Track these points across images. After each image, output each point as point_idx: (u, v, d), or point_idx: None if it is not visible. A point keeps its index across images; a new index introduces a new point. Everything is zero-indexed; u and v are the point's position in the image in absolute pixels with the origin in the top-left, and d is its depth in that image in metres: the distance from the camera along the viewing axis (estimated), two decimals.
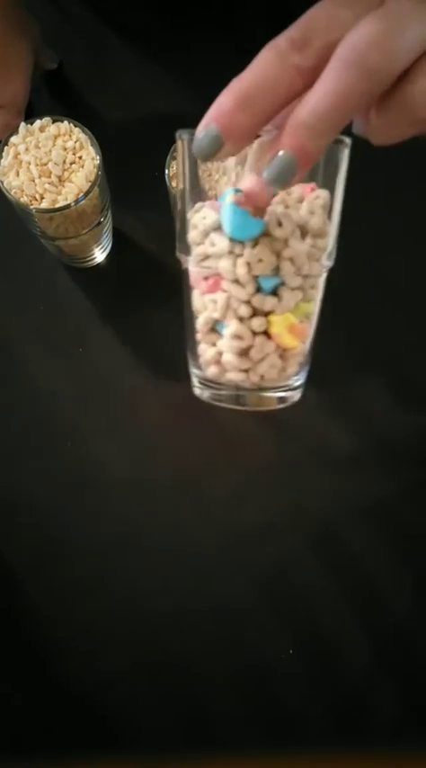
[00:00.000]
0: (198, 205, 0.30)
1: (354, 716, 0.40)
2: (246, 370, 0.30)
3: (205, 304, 0.30)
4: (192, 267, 0.30)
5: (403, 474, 0.44)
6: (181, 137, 0.29)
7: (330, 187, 0.29)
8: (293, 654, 0.41)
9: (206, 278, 0.29)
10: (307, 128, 0.21)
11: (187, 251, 0.30)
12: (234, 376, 0.30)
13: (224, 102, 0.22)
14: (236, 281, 0.28)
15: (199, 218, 0.29)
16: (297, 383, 0.32)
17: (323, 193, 0.29)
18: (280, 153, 0.22)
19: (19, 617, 0.41)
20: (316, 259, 0.29)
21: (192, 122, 0.39)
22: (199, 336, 0.31)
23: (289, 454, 0.44)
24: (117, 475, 0.43)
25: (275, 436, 0.44)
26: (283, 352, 0.30)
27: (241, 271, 0.27)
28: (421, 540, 0.43)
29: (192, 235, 0.29)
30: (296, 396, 0.32)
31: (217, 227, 0.28)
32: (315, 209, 0.28)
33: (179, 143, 0.30)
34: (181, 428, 0.44)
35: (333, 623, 0.41)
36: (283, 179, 0.23)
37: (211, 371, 0.31)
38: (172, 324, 0.43)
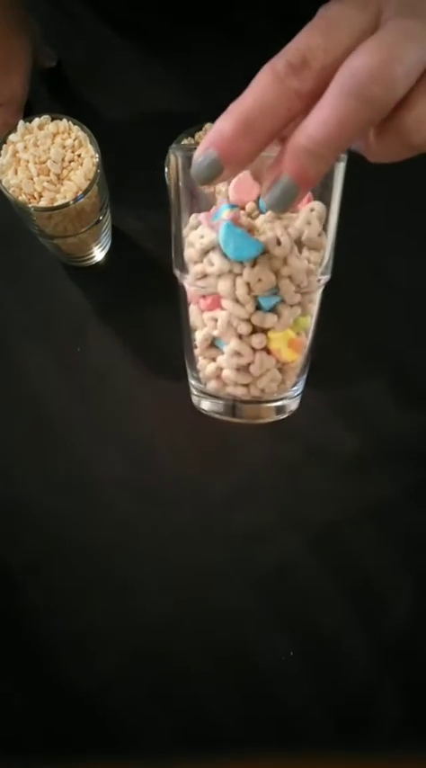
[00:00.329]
0: (192, 219, 0.29)
1: (354, 718, 0.40)
2: (246, 385, 0.30)
3: (203, 321, 0.30)
4: (190, 285, 0.30)
5: (404, 474, 0.44)
6: (175, 153, 0.29)
7: (326, 201, 0.29)
8: (293, 655, 0.41)
9: (204, 296, 0.29)
10: (307, 152, 0.21)
11: (184, 268, 0.30)
12: (234, 390, 0.30)
13: (223, 127, 0.22)
14: (236, 300, 0.28)
15: (196, 236, 0.28)
16: (296, 393, 0.32)
17: (317, 205, 0.29)
18: (281, 177, 0.22)
19: (19, 617, 0.41)
20: (314, 273, 0.29)
21: (192, 121, 0.39)
22: (197, 352, 0.31)
23: (289, 454, 0.44)
24: (116, 475, 0.43)
25: (275, 436, 0.44)
26: (282, 366, 0.30)
27: (241, 291, 0.27)
28: (422, 540, 0.43)
29: (189, 253, 0.29)
30: (294, 405, 0.33)
31: (215, 247, 0.28)
32: (311, 220, 0.28)
33: (172, 158, 0.30)
34: (180, 428, 0.43)
35: (334, 624, 0.41)
36: (284, 203, 0.23)
37: (211, 386, 0.31)
38: (171, 323, 0.43)
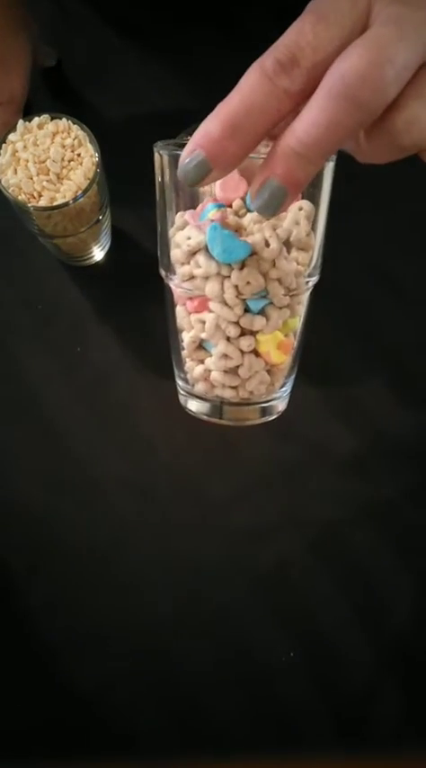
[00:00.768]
0: (179, 218, 0.29)
1: (355, 717, 0.40)
2: (235, 387, 0.30)
3: (191, 322, 0.29)
4: (177, 286, 0.29)
5: (404, 474, 0.44)
6: (159, 151, 0.29)
7: (315, 201, 0.28)
8: (293, 655, 0.41)
9: (191, 297, 0.29)
10: (296, 155, 0.21)
11: (170, 269, 0.30)
12: (222, 392, 0.30)
13: (211, 128, 0.22)
14: (224, 303, 0.28)
15: (183, 237, 0.28)
16: (284, 393, 0.32)
17: (306, 205, 0.28)
18: (269, 180, 0.22)
19: (19, 617, 0.41)
20: (302, 275, 0.29)
21: (191, 120, 0.39)
22: (185, 354, 0.31)
23: (289, 454, 0.44)
24: (115, 475, 0.43)
25: (275, 436, 0.44)
26: (271, 368, 0.30)
27: (229, 294, 0.27)
28: (421, 540, 0.43)
29: (176, 254, 0.29)
30: (281, 405, 0.32)
31: (202, 248, 0.27)
32: (300, 220, 0.28)
33: (156, 156, 0.29)
34: (180, 427, 0.43)
35: (334, 625, 0.41)
36: (273, 206, 0.22)
37: (199, 388, 0.31)
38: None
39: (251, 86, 0.21)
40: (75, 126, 0.38)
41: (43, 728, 0.40)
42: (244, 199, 0.28)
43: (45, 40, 0.48)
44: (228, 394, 0.30)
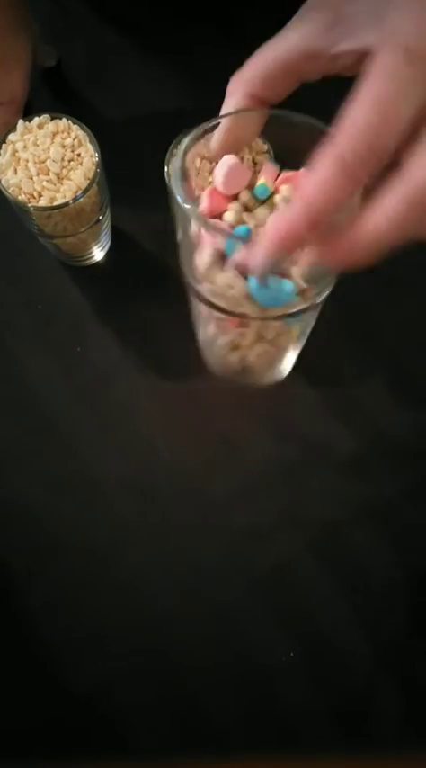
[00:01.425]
0: (206, 254, 0.27)
1: (355, 718, 0.40)
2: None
3: (224, 328, 0.30)
4: (205, 301, 0.29)
5: (404, 474, 0.44)
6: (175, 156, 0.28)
7: None
8: (293, 656, 0.41)
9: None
10: (364, 253, 0.24)
11: (194, 277, 0.29)
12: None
13: (297, 229, 0.22)
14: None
15: (224, 284, 0.27)
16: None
17: None
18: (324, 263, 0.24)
19: (19, 617, 0.41)
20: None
21: (192, 121, 0.39)
22: (221, 352, 0.32)
23: (289, 454, 0.44)
24: (115, 475, 0.43)
25: (275, 436, 0.44)
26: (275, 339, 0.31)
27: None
28: (421, 539, 0.43)
29: (213, 290, 0.28)
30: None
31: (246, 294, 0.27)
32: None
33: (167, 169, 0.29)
34: (180, 427, 0.43)
35: (334, 625, 0.41)
36: (322, 287, 0.26)
37: (234, 366, 0.33)
38: (171, 323, 0.43)
39: (332, 183, 0.22)
40: (75, 126, 0.38)
41: (43, 728, 0.40)
42: (249, 188, 0.27)
43: (45, 40, 0.48)
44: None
